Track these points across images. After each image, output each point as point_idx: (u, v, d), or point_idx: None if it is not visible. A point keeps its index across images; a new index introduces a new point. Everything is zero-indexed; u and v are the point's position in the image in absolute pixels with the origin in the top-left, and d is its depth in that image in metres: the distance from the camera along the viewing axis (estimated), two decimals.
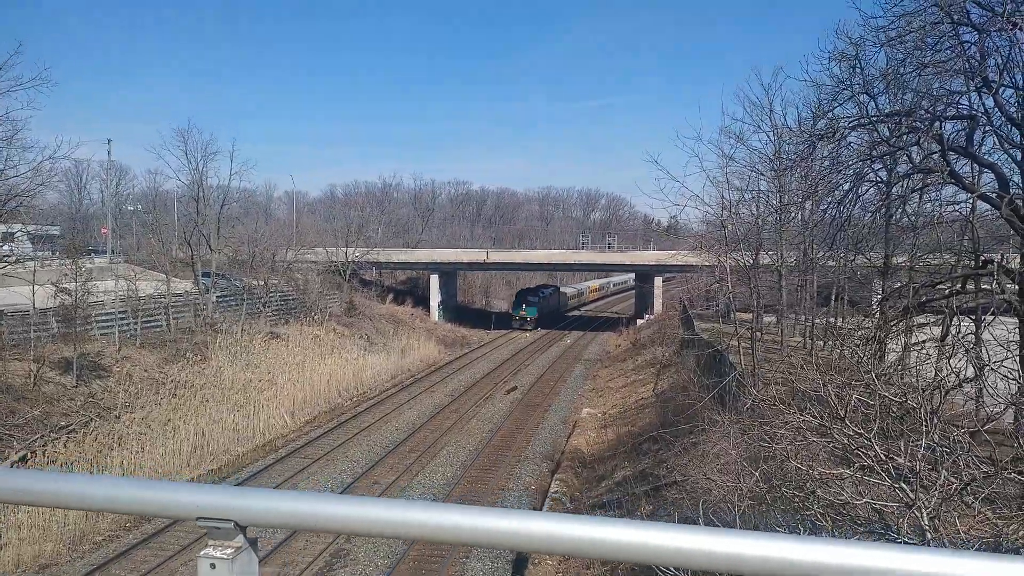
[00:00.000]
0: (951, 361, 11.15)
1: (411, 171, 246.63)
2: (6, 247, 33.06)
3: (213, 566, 1.44)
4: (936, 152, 16.64)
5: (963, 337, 15.05)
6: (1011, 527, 5.56)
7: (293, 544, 17.89)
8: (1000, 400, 9.76)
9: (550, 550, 1.37)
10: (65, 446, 22.28)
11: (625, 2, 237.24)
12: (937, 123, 16.37)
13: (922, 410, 6.57)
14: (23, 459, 21.05)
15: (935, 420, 7.29)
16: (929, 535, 5.41)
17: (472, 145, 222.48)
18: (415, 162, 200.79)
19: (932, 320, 18.02)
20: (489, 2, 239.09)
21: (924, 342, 16.98)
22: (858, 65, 17.30)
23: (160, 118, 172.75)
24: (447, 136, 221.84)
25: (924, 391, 8.02)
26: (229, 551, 1.46)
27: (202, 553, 1.46)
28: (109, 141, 52.14)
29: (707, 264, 29.80)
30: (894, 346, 17.53)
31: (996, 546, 5.44)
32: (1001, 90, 15.22)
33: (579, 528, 1.34)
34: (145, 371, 30.34)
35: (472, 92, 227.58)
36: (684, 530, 1.30)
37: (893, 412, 8.74)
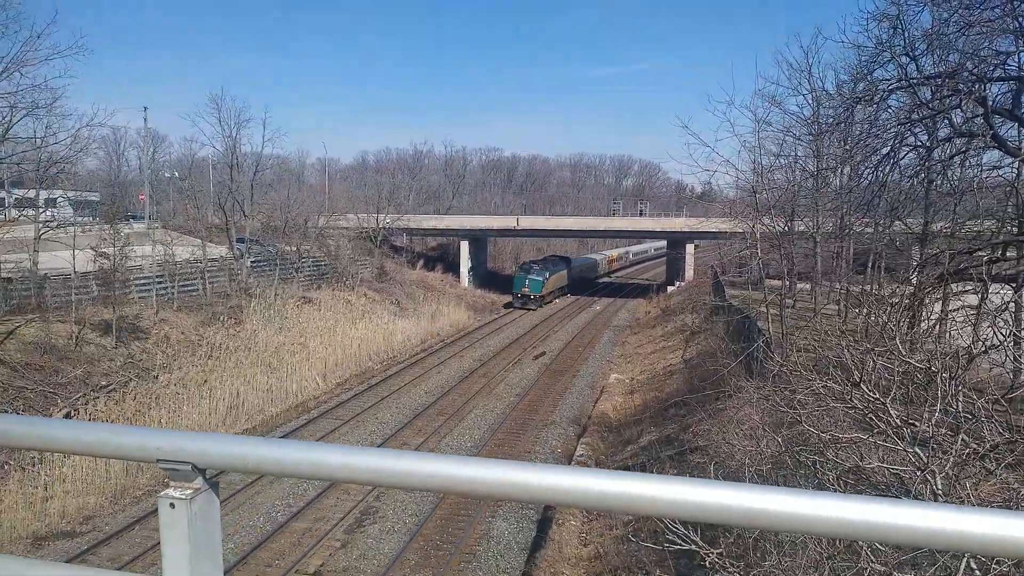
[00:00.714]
0: (987, 328, 10.91)
1: (442, 138, 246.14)
2: (48, 212, 33.96)
3: (172, 505, 1.51)
4: (980, 115, 16.06)
5: (1001, 305, 14.65)
6: (1022, 493, 5.46)
7: (324, 501, 18.42)
8: None
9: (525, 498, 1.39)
10: (106, 404, 23.10)
11: None
12: (981, 85, 15.76)
13: (941, 376, 6.45)
14: (66, 416, 21.90)
15: (958, 386, 7.16)
16: (941, 499, 5.36)
17: (504, 111, 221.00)
18: (447, 128, 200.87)
19: (970, 288, 17.57)
20: None
21: (959, 309, 16.59)
22: (900, 25, 16.65)
23: (195, 86, 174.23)
24: (479, 103, 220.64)
25: (947, 357, 7.85)
26: (188, 492, 1.52)
27: (163, 493, 1.53)
28: (145, 108, 53.00)
29: (739, 231, 29.32)
30: (930, 313, 17.16)
31: (1005, 509, 5.37)
32: None
33: (581, 480, 1.36)
34: (182, 333, 31.14)
35: (504, 57, 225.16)
36: (699, 484, 1.32)
37: (918, 379, 8.62)
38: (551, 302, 59.33)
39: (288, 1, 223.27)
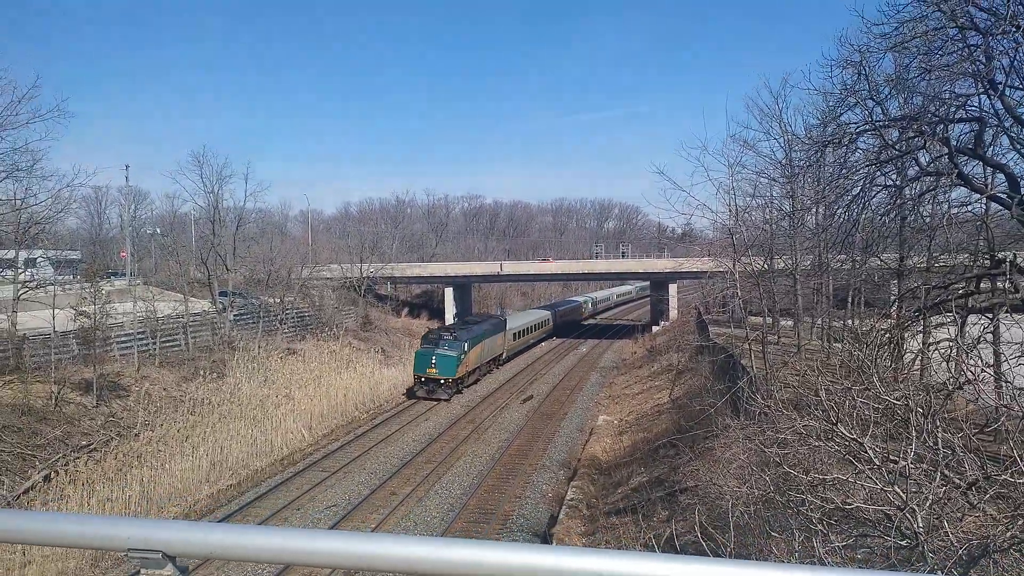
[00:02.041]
0: (968, 360, 11.09)
1: (424, 187, 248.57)
2: (28, 272, 33.73)
3: None
4: (945, 155, 16.57)
5: (978, 338, 14.92)
6: (998, 529, 5.53)
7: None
8: (1016, 397, 9.67)
9: None
10: (86, 465, 22.63)
11: (629, 20, 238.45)
12: (945, 126, 16.30)
13: (916, 413, 6.57)
14: (46, 478, 21.43)
15: (935, 422, 7.29)
16: (922, 537, 5.42)
17: (485, 160, 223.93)
18: (429, 178, 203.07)
19: (948, 320, 17.88)
20: (497, 23, 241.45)
21: (939, 342, 16.85)
22: (864, 71, 17.28)
23: (177, 144, 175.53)
24: (460, 152, 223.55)
25: (923, 393, 8.00)
26: None
27: None
28: (127, 167, 53.62)
29: (720, 270, 29.75)
30: (912, 346, 17.41)
31: (984, 549, 5.42)
32: (1009, 91, 15.14)
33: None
34: (164, 389, 30.76)
35: (483, 109, 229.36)
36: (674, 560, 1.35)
37: (897, 415, 8.75)
38: (476, 382, 42.03)
39: (271, 57, 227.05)
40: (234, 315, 42.47)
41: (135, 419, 27.11)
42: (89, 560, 17.86)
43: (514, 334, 52.66)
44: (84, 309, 29.46)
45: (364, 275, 58.16)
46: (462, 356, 38.51)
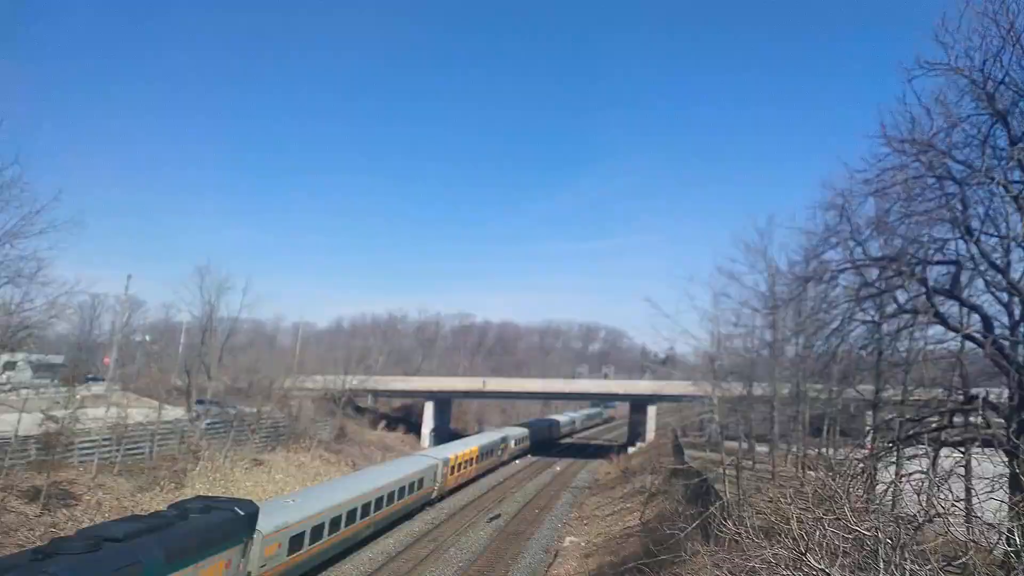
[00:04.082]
0: (940, 493, 10.87)
1: (417, 304, 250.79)
2: (4, 376, 32.87)
3: None
4: (922, 294, 17.02)
5: (950, 470, 14.72)
6: None
7: None
8: (985, 532, 9.44)
9: None
10: None
11: (624, 162, 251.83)
12: (923, 267, 16.85)
13: (885, 544, 6.38)
14: None
15: (903, 554, 7.07)
16: None
17: (478, 281, 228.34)
18: (423, 295, 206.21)
19: (921, 452, 17.72)
20: (501, 159, 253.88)
21: (911, 474, 16.61)
22: (846, 213, 18.05)
23: (180, 257, 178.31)
24: (454, 273, 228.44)
25: (893, 524, 7.83)
26: None
27: None
28: (129, 277, 53.97)
29: (700, 394, 29.70)
30: (884, 477, 17.13)
31: None
32: (984, 238, 15.78)
33: None
34: (116, 499, 29.30)
35: (481, 236, 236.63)
36: None
37: (867, 545, 8.48)
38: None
39: (269, 177, 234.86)
40: (207, 423, 41.32)
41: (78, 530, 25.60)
42: None
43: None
44: (53, 414, 28.53)
45: (347, 387, 57.46)
46: None
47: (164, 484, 31.83)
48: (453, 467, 42.08)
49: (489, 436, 55.96)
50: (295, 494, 28.26)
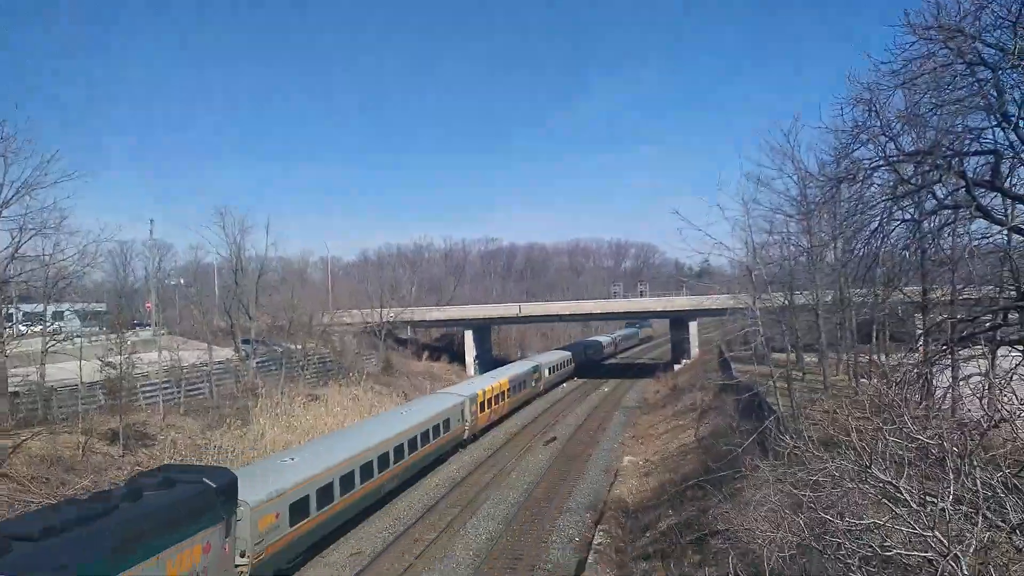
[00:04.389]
0: (1002, 395, 10.86)
1: (442, 232, 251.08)
2: (55, 325, 34.31)
3: None
4: (962, 188, 16.53)
5: (1011, 370, 14.65)
6: None
7: None
8: None
9: None
10: None
11: (647, 68, 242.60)
12: (960, 159, 16.29)
13: (952, 453, 6.49)
14: None
15: (972, 461, 7.17)
16: None
17: (501, 202, 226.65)
18: (446, 223, 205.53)
19: (978, 353, 17.60)
20: (521, 69, 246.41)
21: (970, 377, 16.57)
22: (874, 108, 17.37)
23: (200, 198, 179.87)
24: (477, 196, 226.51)
25: (958, 432, 7.89)
26: None
27: None
28: (151, 221, 54.92)
29: (740, 306, 29.61)
30: (941, 381, 17.14)
31: None
32: (1023, 124, 15.14)
33: None
34: (189, 438, 30.90)
35: (501, 149, 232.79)
36: None
37: (932, 455, 8.58)
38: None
39: (290, 109, 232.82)
40: (257, 362, 42.78)
41: None
42: None
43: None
44: (110, 360, 29.89)
45: (384, 319, 58.51)
46: None
47: (231, 422, 33.36)
48: (483, 403, 39.73)
49: (519, 366, 52.53)
50: (294, 450, 25.55)
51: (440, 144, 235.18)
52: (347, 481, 23.31)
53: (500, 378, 44.87)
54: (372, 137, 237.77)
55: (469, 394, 37.97)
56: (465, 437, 36.49)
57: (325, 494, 21.78)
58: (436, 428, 32.15)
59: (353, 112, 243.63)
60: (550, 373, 57.12)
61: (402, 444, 28.20)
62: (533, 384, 52.17)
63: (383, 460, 26.30)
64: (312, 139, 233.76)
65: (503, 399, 43.86)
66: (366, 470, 24.84)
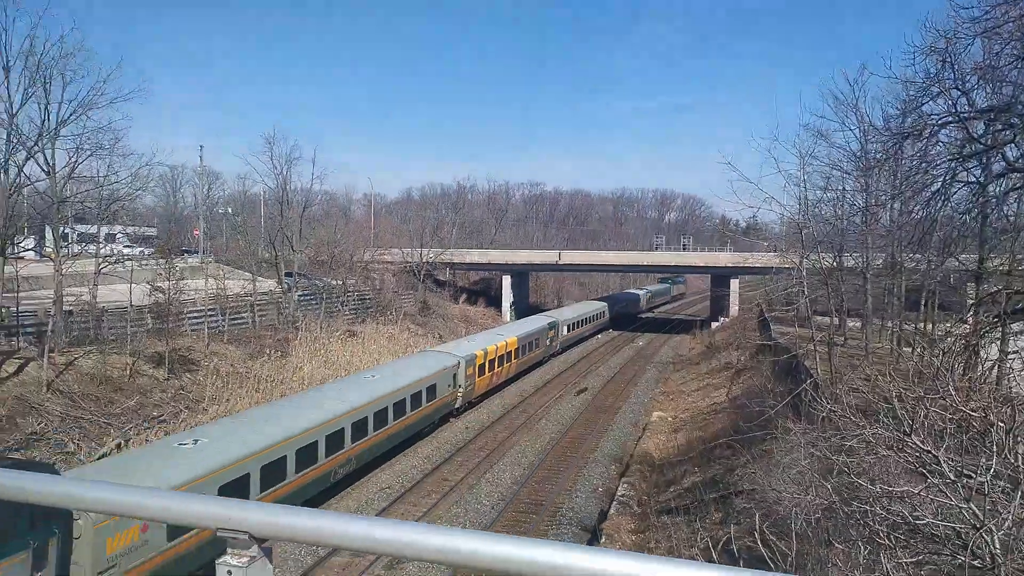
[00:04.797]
0: None
1: (486, 173, 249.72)
2: (108, 247, 35.36)
3: (230, 572, 1.63)
4: None
5: None
6: None
7: None
8: None
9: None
10: (156, 435, 23.67)
11: (698, 6, 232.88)
12: None
13: (997, 426, 6.22)
14: (119, 446, 22.52)
15: (1016, 437, 6.90)
16: (999, 560, 5.13)
17: (547, 146, 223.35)
18: (491, 163, 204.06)
19: None
20: (564, 10, 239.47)
21: (1019, 351, 15.96)
22: (949, 58, 16.35)
23: (248, 127, 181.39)
24: (522, 137, 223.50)
25: (1004, 405, 7.58)
26: (244, 560, 1.63)
27: (220, 560, 1.64)
28: (201, 147, 55.52)
29: (785, 266, 28.88)
30: (989, 354, 16.55)
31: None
32: None
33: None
34: (231, 365, 31.86)
35: (548, 92, 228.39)
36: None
37: (974, 427, 8.31)
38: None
39: (337, 41, 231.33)
40: (299, 295, 43.63)
41: (203, 393, 28.19)
42: None
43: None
44: (159, 285, 30.76)
45: (424, 259, 58.89)
46: None
47: (271, 352, 34.26)
48: (482, 365, 33.92)
49: (532, 322, 46.17)
50: (201, 429, 19.23)
51: (487, 80, 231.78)
52: (275, 470, 17.45)
53: (508, 336, 39.00)
54: (420, 70, 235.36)
55: (465, 355, 32.19)
56: (457, 405, 31.19)
57: (236, 490, 15.80)
58: (415, 397, 26.21)
59: (403, 46, 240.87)
60: (570, 330, 51.54)
61: (364, 418, 22.22)
62: (548, 343, 46.25)
63: (334, 439, 20.33)
64: (361, 75, 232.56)
65: (509, 360, 38.09)
66: (307, 453, 18.87)
